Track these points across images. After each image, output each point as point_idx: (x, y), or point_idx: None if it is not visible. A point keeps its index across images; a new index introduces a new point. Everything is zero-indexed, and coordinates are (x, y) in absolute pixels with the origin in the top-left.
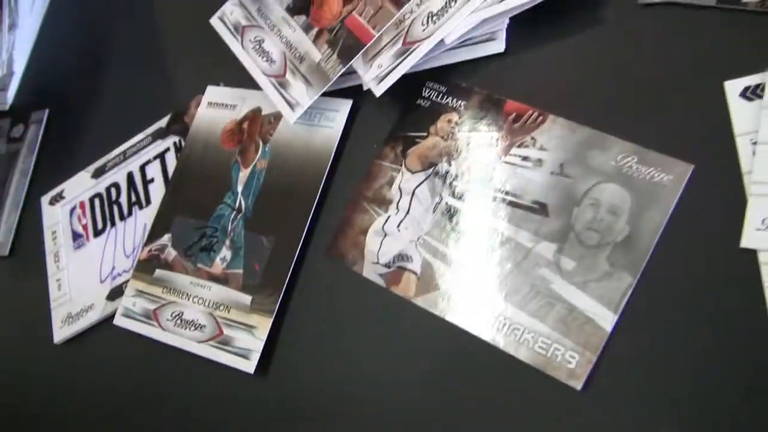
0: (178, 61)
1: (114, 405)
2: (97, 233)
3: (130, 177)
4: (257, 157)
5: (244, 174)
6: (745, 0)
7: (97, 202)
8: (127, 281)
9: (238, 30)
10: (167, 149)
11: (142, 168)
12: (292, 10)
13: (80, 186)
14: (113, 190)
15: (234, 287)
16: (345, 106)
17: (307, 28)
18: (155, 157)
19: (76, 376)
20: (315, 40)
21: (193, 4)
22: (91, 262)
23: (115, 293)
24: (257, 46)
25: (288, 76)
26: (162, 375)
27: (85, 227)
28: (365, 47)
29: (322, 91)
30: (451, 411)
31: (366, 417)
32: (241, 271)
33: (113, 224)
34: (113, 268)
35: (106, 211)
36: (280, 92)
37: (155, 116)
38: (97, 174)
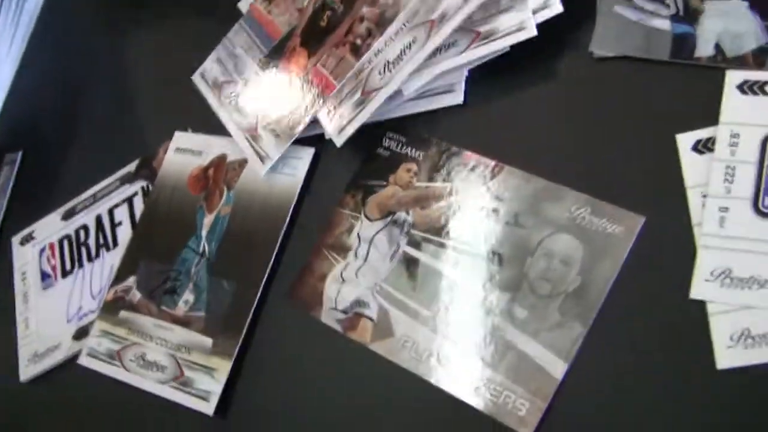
0: (148, 107)
1: None
2: (65, 274)
3: (98, 219)
4: (221, 203)
5: (208, 219)
6: (698, 55)
7: (66, 243)
8: (92, 322)
9: (217, 86)
10: (135, 193)
11: (111, 211)
12: (264, 65)
13: (50, 227)
14: (82, 232)
15: (196, 330)
16: (308, 154)
17: (276, 82)
18: (123, 201)
19: (41, 414)
20: (283, 94)
21: (162, 53)
22: (58, 302)
23: (81, 333)
24: (233, 102)
25: (259, 129)
26: (124, 415)
27: (53, 268)
28: (327, 98)
29: (289, 143)
30: None
31: None
32: (203, 314)
33: (81, 265)
34: (80, 308)
35: (75, 252)
36: (252, 146)
37: (125, 161)
38: (67, 216)
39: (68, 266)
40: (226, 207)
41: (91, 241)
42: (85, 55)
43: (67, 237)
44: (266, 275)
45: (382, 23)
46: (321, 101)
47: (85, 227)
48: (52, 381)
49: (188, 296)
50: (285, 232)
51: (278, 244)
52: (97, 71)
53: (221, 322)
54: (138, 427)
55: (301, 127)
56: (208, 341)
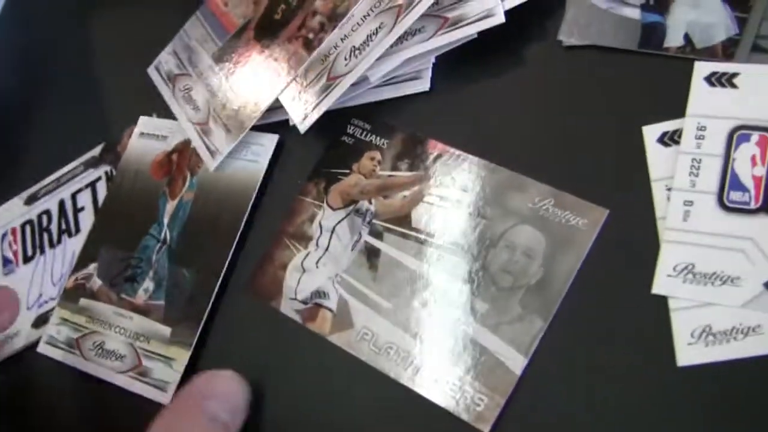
0: (114, 92)
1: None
2: (27, 260)
3: (61, 204)
4: (184, 189)
5: (171, 206)
6: (667, 45)
7: (28, 228)
8: (52, 309)
9: (171, 79)
10: (98, 178)
11: (74, 196)
12: (218, 58)
13: (13, 212)
14: (44, 217)
15: (155, 319)
16: (271, 141)
17: (229, 76)
18: (86, 186)
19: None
20: (235, 88)
21: (129, 39)
22: (18, 289)
23: (40, 321)
24: (186, 95)
25: (211, 123)
26: (81, 404)
27: (15, 254)
28: (280, 92)
29: (239, 139)
30: None
31: None
32: (162, 302)
33: (42, 252)
34: (40, 295)
35: (36, 238)
36: (203, 140)
37: (89, 145)
38: (30, 201)
39: (30, 252)
40: (189, 193)
41: (54, 227)
42: (48, 38)
43: (30, 222)
44: (227, 264)
45: (334, 18)
46: (273, 97)
47: (48, 212)
48: (12, 369)
49: (148, 284)
50: (247, 220)
51: (239, 232)
52: (62, 56)
53: (180, 310)
54: (94, 416)
55: (251, 122)
56: (166, 330)
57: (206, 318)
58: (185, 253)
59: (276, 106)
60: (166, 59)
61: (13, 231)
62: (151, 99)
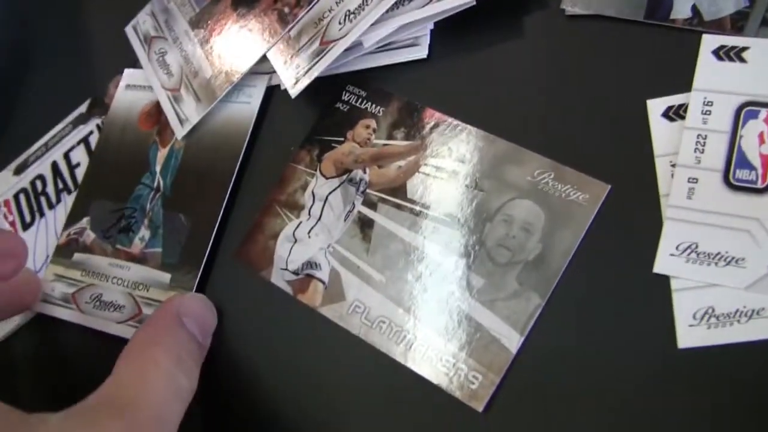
0: (93, 50)
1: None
2: (26, 227)
3: (54, 166)
4: (175, 136)
5: (162, 153)
6: (674, 17)
7: (22, 197)
8: None
9: (147, 40)
10: (90, 132)
11: (66, 155)
12: (194, 24)
13: (3, 185)
14: (38, 183)
15: (153, 266)
16: (262, 81)
17: (203, 43)
18: (79, 142)
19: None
20: (209, 56)
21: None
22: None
23: None
24: (160, 58)
25: (182, 90)
26: (81, 357)
27: (12, 224)
28: (251, 65)
29: (209, 108)
30: (346, 423)
31: (259, 413)
32: (159, 250)
33: (42, 215)
34: (47, 256)
35: (33, 203)
36: (173, 106)
37: (74, 105)
38: (20, 170)
39: (28, 218)
40: (180, 140)
41: (50, 189)
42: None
43: (23, 190)
44: (224, 205)
45: None
46: (245, 69)
47: (42, 177)
48: (26, 332)
49: (144, 233)
50: (242, 159)
51: (235, 173)
52: (38, 24)
53: (179, 255)
54: (94, 368)
55: (222, 93)
56: (166, 276)
57: (205, 261)
58: (180, 199)
59: (262, 72)
60: (143, 19)
61: (6, 203)
62: (132, 54)
